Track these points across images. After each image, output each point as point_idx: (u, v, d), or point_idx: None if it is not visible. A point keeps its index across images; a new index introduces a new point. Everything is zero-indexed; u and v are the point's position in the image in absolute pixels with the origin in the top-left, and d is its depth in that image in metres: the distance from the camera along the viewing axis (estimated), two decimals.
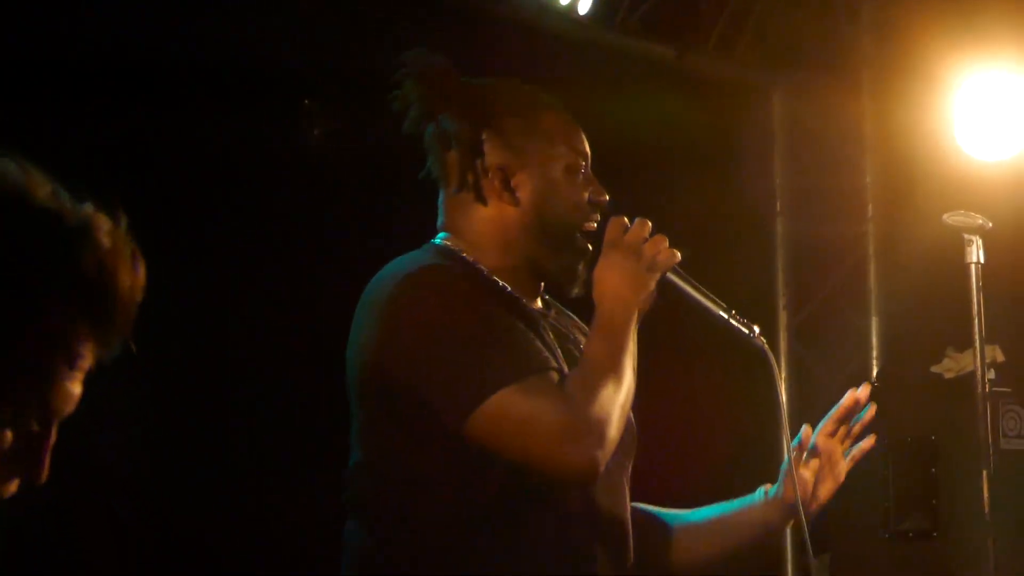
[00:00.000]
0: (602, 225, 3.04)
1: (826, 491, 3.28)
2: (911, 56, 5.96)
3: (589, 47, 6.12)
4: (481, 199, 3.02)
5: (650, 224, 3.04)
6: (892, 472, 5.95)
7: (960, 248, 3.94)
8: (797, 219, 6.79)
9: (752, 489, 3.31)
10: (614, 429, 2.81)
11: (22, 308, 1.49)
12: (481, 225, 3.03)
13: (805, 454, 3.26)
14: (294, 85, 5.40)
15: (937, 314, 5.93)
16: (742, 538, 3.28)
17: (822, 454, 3.25)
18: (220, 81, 5.04)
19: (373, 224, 5.53)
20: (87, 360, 1.55)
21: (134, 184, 4.82)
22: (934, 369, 6.17)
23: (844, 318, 6.84)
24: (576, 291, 3.05)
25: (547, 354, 2.86)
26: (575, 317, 3.09)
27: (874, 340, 6.78)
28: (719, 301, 3.11)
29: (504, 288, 2.99)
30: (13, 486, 1.55)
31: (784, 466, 3.23)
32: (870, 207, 6.80)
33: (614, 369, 2.87)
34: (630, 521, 3.05)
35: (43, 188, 1.53)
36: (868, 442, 3.25)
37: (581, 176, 3.08)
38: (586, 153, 3.11)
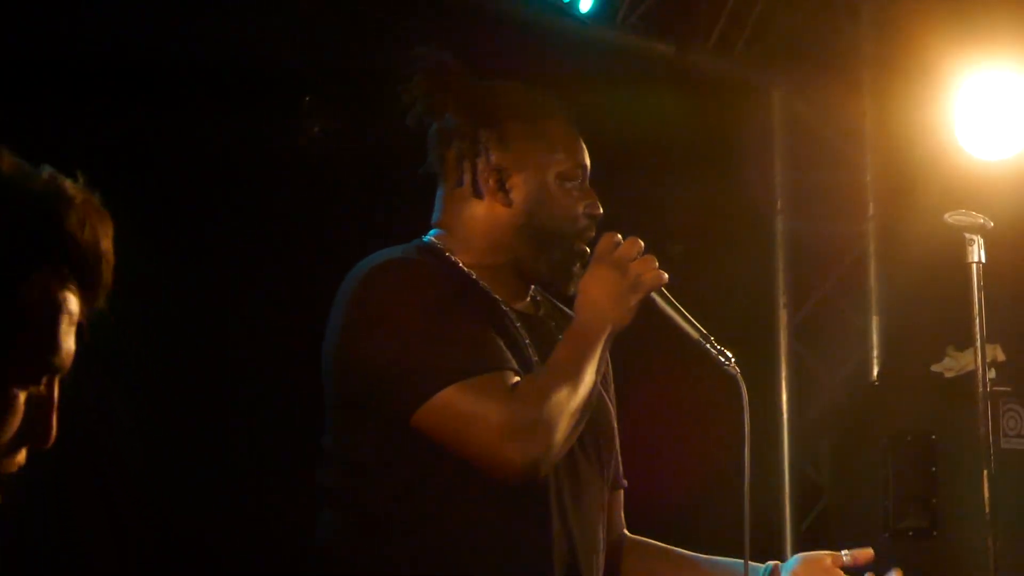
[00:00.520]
0: (595, 238, 3.06)
1: None
2: (912, 54, 5.95)
3: (589, 45, 6.12)
4: (476, 197, 3.06)
5: (642, 244, 3.05)
6: (892, 471, 5.95)
7: (961, 247, 3.94)
8: (797, 218, 6.79)
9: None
10: (561, 433, 2.84)
11: (16, 268, 1.52)
12: (473, 223, 3.07)
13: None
14: (294, 83, 5.40)
15: (938, 313, 5.93)
16: None
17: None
18: (220, 80, 5.04)
19: (373, 222, 5.52)
20: (77, 316, 1.58)
21: (134, 183, 4.82)
22: (935, 368, 6.17)
23: (844, 317, 6.83)
24: (572, 289, 3.07)
25: (505, 353, 2.90)
26: (571, 313, 3.10)
27: (874, 339, 6.77)
28: (699, 327, 3.13)
29: (481, 286, 3.03)
30: (22, 455, 1.57)
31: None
32: (871, 206, 6.80)
33: (573, 375, 2.89)
34: (601, 526, 3.09)
35: (6, 157, 1.56)
36: None
37: (578, 186, 3.10)
38: (584, 165, 3.14)
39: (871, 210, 6.79)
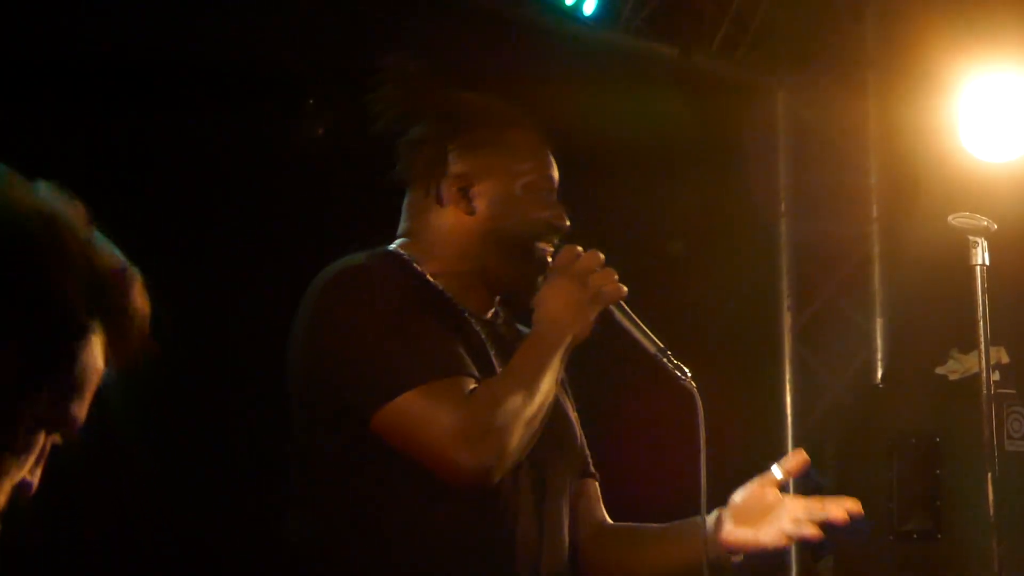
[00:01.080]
0: (557, 250, 3.07)
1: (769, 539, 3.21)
2: (916, 57, 5.95)
3: (593, 48, 6.12)
4: (441, 205, 3.08)
5: (602, 256, 3.06)
6: (896, 473, 5.95)
7: (965, 250, 3.93)
8: (801, 220, 6.79)
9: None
10: (514, 440, 2.86)
11: (74, 328, 1.53)
12: (437, 231, 3.09)
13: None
14: (298, 85, 5.40)
15: (941, 315, 5.93)
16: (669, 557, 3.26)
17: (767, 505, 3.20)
18: (224, 81, 5.04)
19: (376, 223, 5.51)
20: (94, 379, 1.59)
21: (136, 184, 4.82)
22: (939, 370, 6.17)
23: (848, 319, 6.83)
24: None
25: (463, 360, 2.91)
26: (527, 331, 3.10)
27: (878, 341, 6.77)
28: (656, 341, 3.12)
29: (443, 294, 3.05)
30: (3, 499, 1.57)
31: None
32: (874, 208, 6.80)
33: (529, 383, 2.91)
34: (565, 527, 3.10)
35: (67, 207, 1.56)
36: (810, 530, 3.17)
37: (544, 197, 3.10)
38: (551, 176, 3.13)
39: (875, 212, 6.79)
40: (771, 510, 3.16)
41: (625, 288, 3.05)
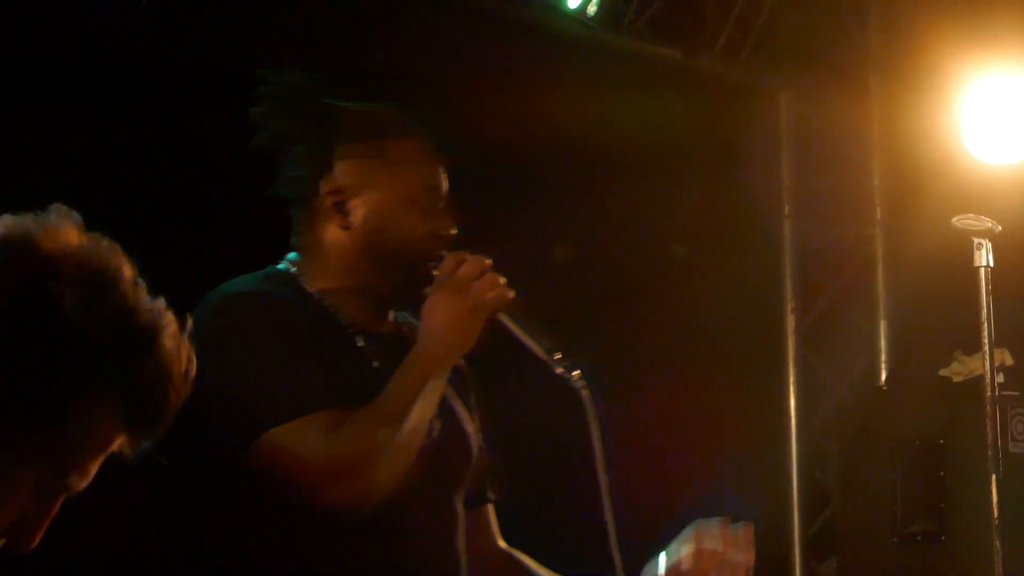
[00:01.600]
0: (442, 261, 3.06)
1: None
2: (919, 59, 5.95)
3: (596, 50, 6.11)
4: (318, 220, 3.07)
5: (487, 262, 3.03)
6: (900, 475, 5.94)
7: (969, 251, 3.93)
8: (805, 222, 6.78)
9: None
10: (382, 471, 2.86)
11: (80, 393, 1.51)
12: (323, 246, 3.08)
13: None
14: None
15: (945, 317, 5.92)
16: None
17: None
18: (226, 81, 5.03)
19: None
20: (115, 446, 1.59)
21: (136, 185, 4.82)
22: (942, 372, 6.16)
23: (852, 321, 6.83)
24: None
25: (332, 392, 2.90)
26: None
27: (882, 343, 6.77)
28: (545, 345, 3.07)
29: (330, 313, 3.03)
30: None
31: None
32: (878, 210, 6.79)
33: (398, 411, 2.90)
34: (459, 543, 3.09)
35: (127, 275, 1.55)
36: None
37: (425, 208, 3.07)
38: (434, 186, 3.11)
39: (878, 214, 6.79)
40: None
41: (511, 292, 3.02)
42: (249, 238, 5.23)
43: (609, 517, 3.11)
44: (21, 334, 1.46)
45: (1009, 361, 5.91)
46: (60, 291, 1.48)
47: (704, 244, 6.47)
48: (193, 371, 1.58)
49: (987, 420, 3.94)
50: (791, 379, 6.68)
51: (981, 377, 4.02)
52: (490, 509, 3.29)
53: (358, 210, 3.05)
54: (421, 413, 2.92)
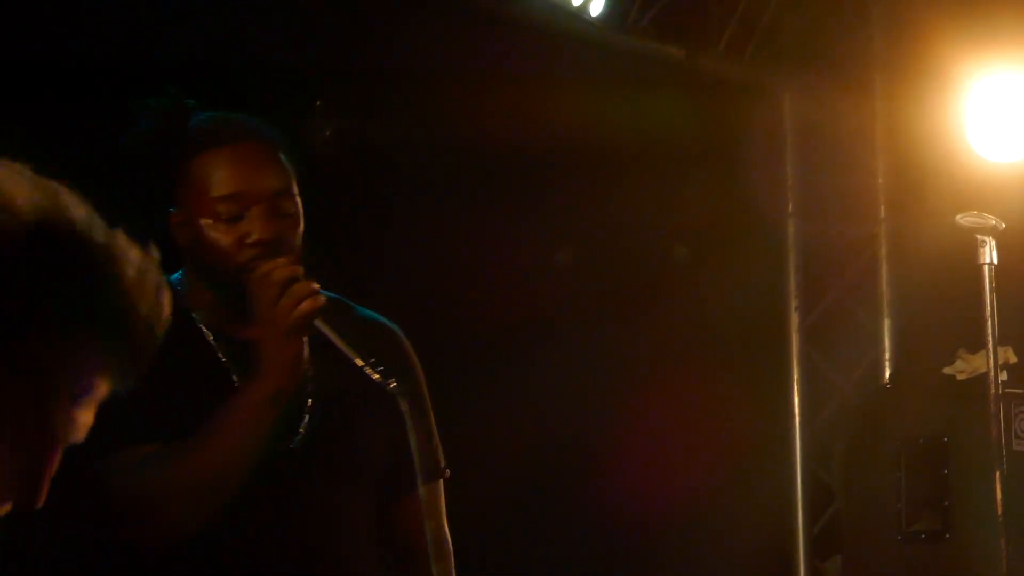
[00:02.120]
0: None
1: None
2: (923, 57, 5.95)
3: (600, 49, 6.11)
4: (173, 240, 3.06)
5: (283, 275, 2.94)
6: (904, 473, 5.94)
7: (973, 249, 3.94)
8: (809, 220, 6.78)
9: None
10: (179, 507, 2.88)
11: (25, 330, 1.47)
12: (184, 263, 3.11)
13: None
14: (305, 85, 5.41)
15: (949, 315, 5.93)
16: None
17: None
18: (231, 81, 5.05)
19: (383, 221, 5.53)
20: (100, 390, 1.56)
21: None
22: (946, 370, 6.17)
23: (856, 319, 6.83)
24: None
25: (158, 422, 2.90)
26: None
27: (886, 341, 6.77)
28: (359, 351, 2.97)
29: (193, 324, 3.04)
30: (5, 508, 1.55)
31: None
32: (882, 208, 6.79)
33: (212, 447, 2.90)
34: (340, 547, 3.08)
35: (78, 209, 1.52)
36: None
37: (232, 217, 3.01)
38: (236, 193, 3.02)
39: (882, 212, 6.79)
40: None
41: (321, 300, 2.95)
42: None
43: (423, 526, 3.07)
44: None
45: (1013, 359, 5.92)
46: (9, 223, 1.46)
47: (708, 243, 6.48)
48: (167, 297, 1.56)
49: (991, 418, 3.95)
50: (795, 377, 6.68)
51: (985, 375, 4.03)
52: (411, 501, 3.20)
53: (181, 229, 3.05)
54: (237, 448, 2.90)
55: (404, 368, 3.16)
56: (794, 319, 6.74)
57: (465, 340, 5.57)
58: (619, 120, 5.95)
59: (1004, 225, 3.88)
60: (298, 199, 3.11)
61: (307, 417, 3.05)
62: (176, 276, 3.11)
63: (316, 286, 2.95)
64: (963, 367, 6.12)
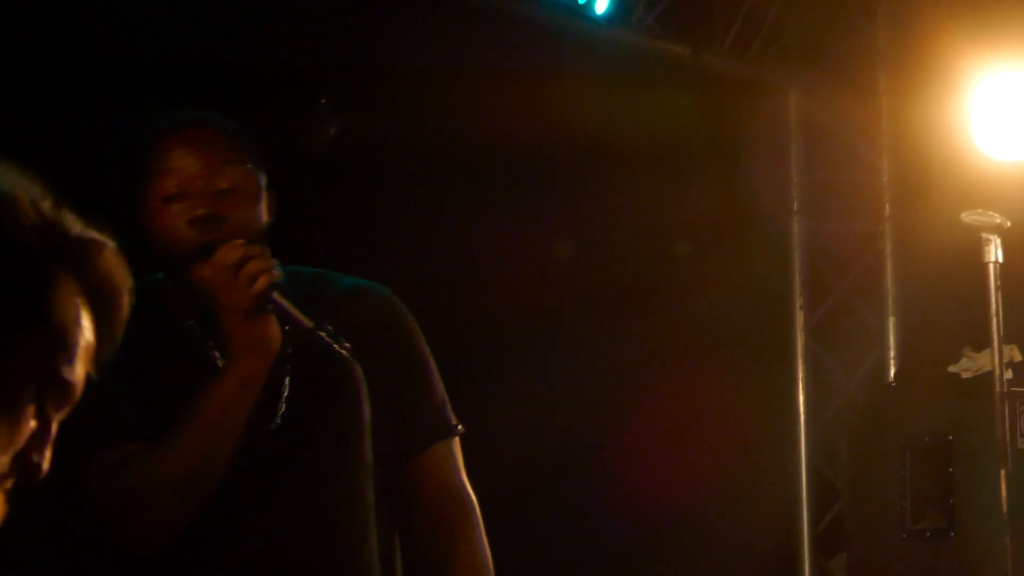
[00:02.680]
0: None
1: None
2: (928, 55, 5.95)
3: (605, 47, 6.12)
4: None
5: (234, 256, 2.89)
6: (909, 472, 5.94)
7: (978, 247, 3.94)
8: (813, 218, 6.78)
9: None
10: (162, 505, 2.87)
11: (46, 271, 1.52)
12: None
13: None
14: (310, 84, 5.41)
15: (955, 313, 5.92)
16: None
17: None
18: (236, 80, 5.05)
19: (388, 221, 5.53)
20: (91, 345, 1.59)
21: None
22: (951, 369, 6.16)
23: (861, 317, 6.83)
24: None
25: (138, 421, 2.90)
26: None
27: (891, 339, 6.76)
28: (307, 319, 2.90)
29: (183, 321, 3.01)
30: (10, 483, 1.57)
31: None
32: (887, 206, 6.79)
33: (189, 441, 2.88)
34: (340, 524, 3.04)
35: (45, 200, 1.56)
36: None
37: (172, 198, 2.95)
38: (175, 168, 2.96)
39: (887, 210, 6.79)
40: None
41: (276, 274, 2.90)
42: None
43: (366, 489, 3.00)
44: None
45: (1018, 357, 5.91)
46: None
47: (713, 241, 6.48)
48: (129, 297, 1.60)
49: (996, 416, 3.95)
50: (800, 375, 6.68)
51: (990, 373, 4.03)
52: (425, 456, 3.15)
53: (141, 218, 2.98)
54: (216, 438, 2.89)
55: (391, 327, 3.11)
56: (799, 317, 6.74)
57: (470, 337, 5.57)
58: (624, 118, 5.95)
59: (1009, 223, 3.88)
60: (253, 177, 3.02)
61: (285, 395, 3.01)
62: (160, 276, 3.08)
63: (271, 262, 2.91)
64: (968, 365, 6.11)
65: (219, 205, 2.94)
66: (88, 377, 2.69)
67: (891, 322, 6.77)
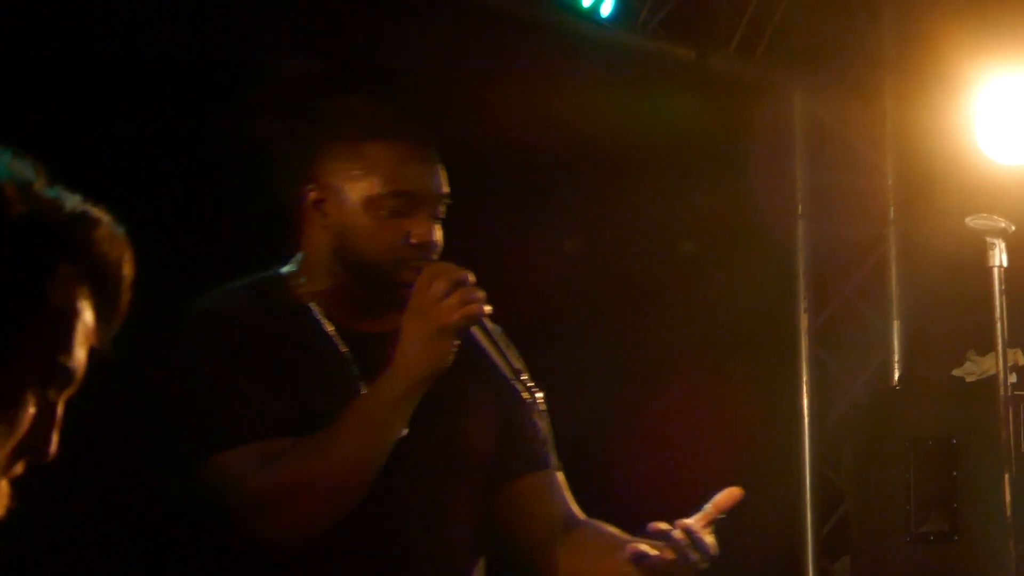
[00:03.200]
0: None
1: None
2: (933, 58, 5.95)
3: (610, 49, 6.12)
4: (305, 221, 3.03)
5: (460, 276, 2.92)
6: (913, 475, 5.94)
7: (982, 251, 3.94)
8: (818, 221, 6.78)
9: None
10: (313, 503, 2.85)
11: (45, 261, 1.52)
12: (309, 248, 3.05)
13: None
14: (309, 84, 5.40)
15: (959, 317, 5.92)
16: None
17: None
18: (236, 80, 5.04)
19: None
20: (91, 330, 1.58)
21: (140, 185, 4.83)
22: (956, 372, 6.16)
23: (865, 320, 6.83)
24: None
25: (279, 417, 2.89)
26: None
27: (895, 343, 6.76)
28: (512, 364, 2.99)
29: (313, 316, 3.00)
30: (20, 467, 1.57)
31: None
32: (891, 209, 6.79)
33: (346, 443, 2.87)
34: (447, 540, 3.04)
35: (38, 181, 1.57)
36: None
37: (398, 214, 2.97)
38: (409, 191, 2.98)
39: (892, 214, 6.79)
40: None
41: (485, 308, 2.92)
42: (258, 238, 5.25)
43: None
44: None
45: (1022, 361, 5.91)
46: None
47: (718, 243, 6.47)
48: (131, 254, 1.61)
49: (1000, 420, 3.95)
50: (804, 378, 6.68)
51: (994, 377, 4.03)
52: (535, 480, 3.19)
53: (333, 212, 2.99)
54: (374, 442, 2.89)
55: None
56: (803, 320, 6.74)
57: None
58: (629, 120, 5.95)
59: (1014, 228, 3.88)
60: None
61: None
62: (297, 257, 3.06)
63: (483, 294, 2.93)
64: (972, 369, 6.11)
65: (438, 235, 3.00)
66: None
67: (895, 325, 6.76)
